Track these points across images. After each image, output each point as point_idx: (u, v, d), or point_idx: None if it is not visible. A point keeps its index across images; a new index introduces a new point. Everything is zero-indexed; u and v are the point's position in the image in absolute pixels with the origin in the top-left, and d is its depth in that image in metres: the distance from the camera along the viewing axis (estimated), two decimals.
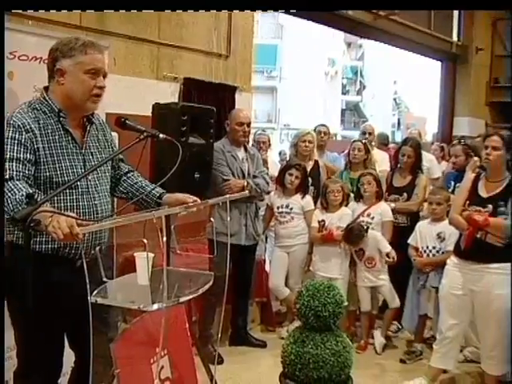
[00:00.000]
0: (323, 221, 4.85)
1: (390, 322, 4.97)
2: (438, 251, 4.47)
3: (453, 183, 4.91)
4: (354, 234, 4.69)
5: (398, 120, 45.65)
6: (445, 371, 4.17)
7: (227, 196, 2.82)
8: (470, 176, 4.12)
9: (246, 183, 4.44)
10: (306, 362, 3.01)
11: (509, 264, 3.70)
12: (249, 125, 4.56)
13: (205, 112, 4.13)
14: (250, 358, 4.55)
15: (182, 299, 2.34)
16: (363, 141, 5.61)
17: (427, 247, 4.52)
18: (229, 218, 3.42)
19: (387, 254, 4.64)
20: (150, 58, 5.05)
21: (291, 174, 4.88)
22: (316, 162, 5.45)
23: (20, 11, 3.88)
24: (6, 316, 2.39)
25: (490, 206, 3.72)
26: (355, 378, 3.21)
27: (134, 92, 4.75)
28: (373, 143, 6.26)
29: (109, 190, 2.68)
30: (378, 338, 4.84)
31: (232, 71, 5.86)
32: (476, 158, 4.72)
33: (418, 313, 4.58)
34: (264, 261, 5.41)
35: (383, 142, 7.41)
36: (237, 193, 3.61)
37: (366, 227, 4.75)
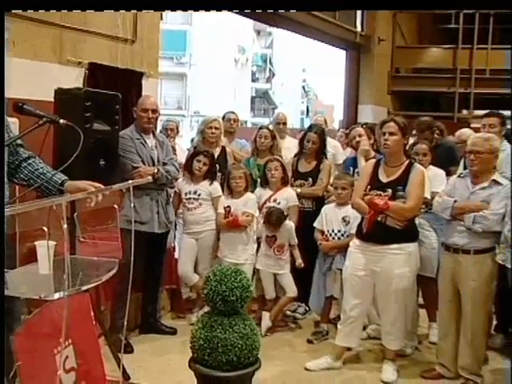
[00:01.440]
0: (229, 207, 4.90)
1: (282, 308, 5.01)
2: (343, 234, 4.63)
3: (351, 168, 5.06)
4: (275, 217, 4.76)
5: (307, 107, 46.56)
6: (349, 349, 4.34)
7: (130, 182, 2.80)
8: (365, 162, 4.30)
9: (156, 170, 4.40)
10: (214, 347, 3.04)
11: (407, 244, 3.92)
12: (154, 111, 4.51)
13: (110, 98, 4.05)
14: (160, 346, 4.54)
15: (85, 287, 2.31)
16: (269, 127, 5.69)
17: (333, 231, 4.67)
18: (132, 205, 3.37)
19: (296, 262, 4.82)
20: (52, 41, 4.86)
21: (199, 161, 4.89)
22: (223, 148, 5.48)
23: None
24: None
25: (390, 190, 3.90)
26: (264, 359, 3.28)
27: (36, 76, 4.56)
28: (287, 131, 6.38)
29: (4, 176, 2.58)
30: (266, 321, 4.87)
31: (138, 56, 5.74)
32: (365, 144, 4.88)
33: (325, 294, 4.71)
34: (173, 248, 5.39)
35: None
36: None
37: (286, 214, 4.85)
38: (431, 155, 4.64)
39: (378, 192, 3.93)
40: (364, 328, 4.63)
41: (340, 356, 4.23)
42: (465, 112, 12.55)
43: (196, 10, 9.63)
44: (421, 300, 4.78)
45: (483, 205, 3.71)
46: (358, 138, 5.05)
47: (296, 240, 4.84)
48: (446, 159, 5.07)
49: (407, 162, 4.01)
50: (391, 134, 3.93)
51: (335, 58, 11.74)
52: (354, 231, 4.28)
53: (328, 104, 35.81)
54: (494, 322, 4.70)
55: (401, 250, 3.90)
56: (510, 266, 3.57)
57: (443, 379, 4.04)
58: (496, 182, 3.78)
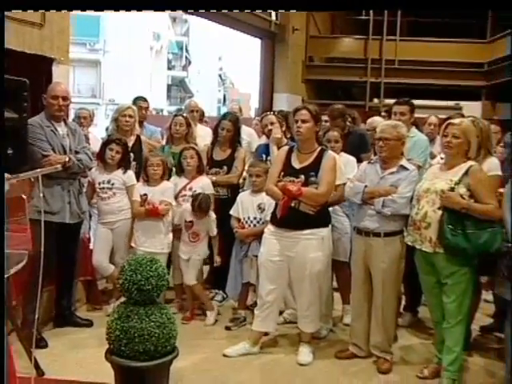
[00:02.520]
0: (145, 195, 4.84)
1: (195, 296, 5.01)
2: (258, 221, 4.67)
3: (264, 156, 5.10)
4: (202, 202, 4.75)
5: (224, 96, 46.50)
6: (266, 334, 4.41)
7: (38, 170, 2.72)
8: (277, 149, 4.36)
9: (67, 159, 4.27)
10: (131, 337, 3.01)
11: (320, 229, 4.02)
12: (65, 99, 4.37)
13: (17, 84, 3.87)
14: (76, 339, 4.43)
15: None
16: (184, 115, 5.65)
17: (248, 218, 4.71)
18: (42, 194, 3.27)
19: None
20: None
21: (111, 149, 4.80)
22: (138, 136, 5.40)
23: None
24: None
25: (303, 177, 3.98)
26: (182, 348, 3.28)
27: None
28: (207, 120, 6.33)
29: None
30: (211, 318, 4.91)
31: (48, 41, 5.54)
32: (277, 132, 4.95)
33: (242, 281, 4.75)
34: (89, 239, 5.27)
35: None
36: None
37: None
38: (343, 142, 4.76)
39: (291, 178, 4.00)
40: (281, 313, 4.72)
41: (257, 341, 4.29)
42: (376, 100, 12.98)
43: (196, 9, 9.56)
44: (335, 284, 4.92)
45: (392, 189, 3.85)
46: (269, 126, 5.10)
47: (215, 231, 4.86)
48: (358, 146, 5.21)
49: (319, 148, 4.11)
50: (304, 121, 4.01)
51: (251, 47, 11.78)
52: (269, 218, 4.33)
53: (245, 92, 35.88)
54: (403, 302, 4.91)
55: (314, 234, 4.00)
56: (418, 247, 3.73)
57: (356, 358, 4.18)
58: (403, 168, 3.93)
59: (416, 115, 5.20)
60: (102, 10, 4.64)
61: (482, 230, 3.49)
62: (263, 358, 4.23)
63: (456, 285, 3.64)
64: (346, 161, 4.61)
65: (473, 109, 11.40)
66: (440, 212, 3.56)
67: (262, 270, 4.20)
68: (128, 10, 4.50)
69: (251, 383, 3.86)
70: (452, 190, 3.56)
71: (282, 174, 4.06)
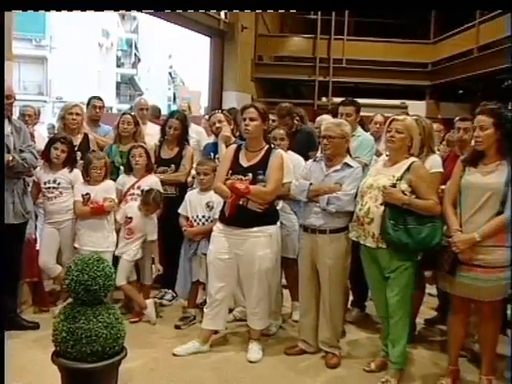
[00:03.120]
0: (88, 194, 4.76)
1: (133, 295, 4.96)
2: (207, 220, 4.67)
3: (212, 154, 5.11)
4: (157, 196, 4.74)
5: (174, 94, 46.18)
6: (216, 332, 4.42)
7: None
8: (226, 147, 4.38)
9: (10, 158, 4.18)
10: (78, 338, 2.99)
11: (268, 227, 4.06)
12: (8, 97, 4.28)
13: None
14: (21, 342, 4.33)
15: None
16: (132, 113, 5.60)
17: (197, 216, 4.70)
18: None
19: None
20: None
21: (56, 148, 4.72)
22: (85, 135, 5.32)
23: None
24: None
25: (251, 175, 4.01)
26: (131, 348, 3.26)
27: None
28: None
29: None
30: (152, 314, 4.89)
31: None
32: (226, 130, 4.96)
33: (191, 279, 4.74)
34: (35, 239, 5.16)
35: (155, 115, 7.47)
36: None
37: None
38: (289, 140, 4.81)
39: (239, 176, 4.02)
40: (230, 311, 4.74)
41: (207, 339, 4.29)
42: (324, 99, 13.13)
43: (196, 9, 9.40)
44: (285, 281, 4.96)
45: (336, 187, 3.92)
46: (218, 124, 5.11)
47: (155, 236, 4.83)
48: (306, 144, 5.26)
49: (267, 146, 4.14)
50: (251, 119, 4.03)
51: (201, 45, 11.76)
52: (217, 216, 4.33)
53: (195, 90, 35.74)
54: (351, 298, 5.00)
55: (262, 232, 4.03)
56: (361, 242, 3.80)
57: (305, 354, 4.24)
58: (348, 165, 4.00)
59: (363, 114, 5.29)
60: (102, 10, 4.56)
61: (423, 225, 3.57)
62: (213, 356, 4.24)
63: (398, 279, 3.72)
64: (291, 159, 4.67)
65: (418, 108, 11.69)
66: (382, 208, 3.63)
67: (211, 268, 4.21)
68: (128, 9, 4.47)
69: (201, 382, 3.85)
70: (394, 186, 3.63)
71: (230, 172, 4.07)
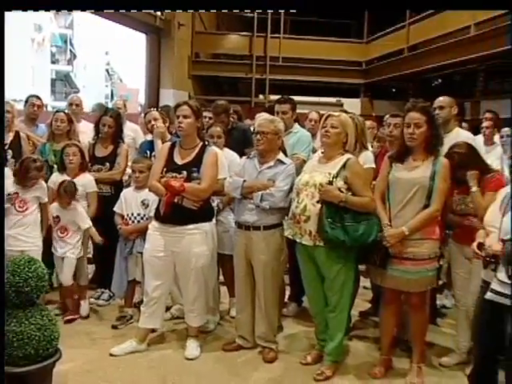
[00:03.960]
0: (16, 193, 4.62)
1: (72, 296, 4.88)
2: (142, 218, 4.62)
3: (148, 152, 5.06)
4: (67, 186, 4.64)
5: (112, 91, 45.31)
6: (154, 330, 4.40)
7: None
8: (164, 143, 4.36)
9: None
10: (9, 341, 2.92)
11: (203, 224, 4.07)
12: None
13: None
14: None
15: None
16: (66, 111, 5.49)
17: (132, 214, 4.64)
18: None
19: None
20: None
21: None
22: (17, 133, 5.18)
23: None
24: None
25: (185, 172, 4.00)
26: (66, 350, 3.22)
27: None
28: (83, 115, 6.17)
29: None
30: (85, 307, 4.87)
31: None
32: (160, 127, 4.94)
33: (127, 279, 4.69)
34: None
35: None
36: None
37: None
38: (226, 138, 4.83)
39: (174, 174, 4.00)
40: (168, 309, 4.73)
41: (144, 338, 4.26)
42: (261, 96, 13.23)
43: (196, 9, 9.06)
44: (222, 278, 4.98)
45: (269, 183, 3.94)
46: (153, 122, 5.07)
47: (87, 224, 4.72)
48: (241, 141, 5.29)
49: (201, 144, 4.14)
50: (185, 116, 4.02)
51: (138, 41, 11.60)
52: (153, 214, 4.29)
53: (133, 88, 35.17)
54: (288, 292, 5.07)
55: (198, 229, 4.03)
56: (298, 240, 3.84)
57: (243, 350, 4.26)
58: (281, 162, 4.03)
59: (298, 111, 5.36)
60: (102, 9, 4.42)
61: (359, 222, 3.63)
62: (151, 354, 4.21)
63: (337, 277, 3.78)
64: (227, 157, 4.70)
65: (353, 105, 11.96)
66: (319, 205, 3.66)
67: (147, 266, 4.18)
68: (128, 9, 4.36)
69: (139, 381, 3.82)
70: (330, 183, 3.67)
71: (165, 169, 4.05)
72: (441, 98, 4.70)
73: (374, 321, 4.82)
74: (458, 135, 4.61)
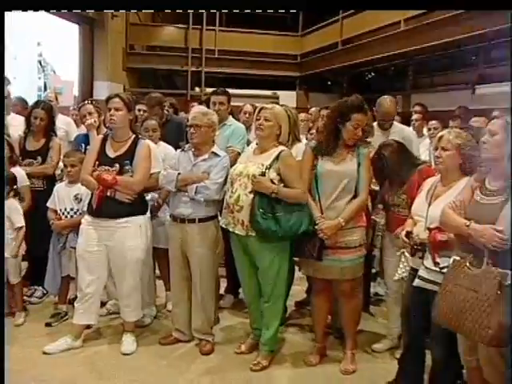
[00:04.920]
0: None
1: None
2: (75, 212, 4.54)
3: (83, 145, 4.97)
4: None
5: (45, 83, 44.09)
6: (88, 327, 4.34)
7: None
8: (97, 136, 4.30)
9: None
10: None
11: (137, 217, 4.05)
12: None
13: None
14: None
15: None
16: None
17: (65, 209, 4.55)
18: None
19: None
20: None
21: None
22: None
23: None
24: None
25: (117, 165, 3.95)
26: None
27: None
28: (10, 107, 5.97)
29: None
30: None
31: None
32: (94, 120, 4.86)
33: (61, 274, 4.60)
34: None
35: (24, 106, 7.10)
36: None
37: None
38: (160, 130, 4.80)
39: (106, 167, 3.95)
40: (104, 304, 4.67)
41: (79, 335, 4.19)
42: (197, 89, 13.16)
43: (196, 9, 8.61)
44: (158, 272, 4.95)
45: (204, 176, 3.95)
46: (88, 116, 4.97)
47: (19, 223, 4.58)
48: (176, 134, 5.26)
49: (133, 136, 4.11)
50: (117, 109, 3.98)
51: (71, 32, 11.31)
52: (86, 208, 4.23)
53: (68, 80, 34.29)
54: (225, 284, 5.10)
55: (131, 222, 4.00)
56: (231, 230, 3.86)
57: (180, 343, 4.26)
58: (215, 154, 4.04)
59: (234, 104, 5.37)
60: (101, 9, 4.22)
61: (291, 213, 3.68)
62: (86, 351, 4.15)
63: (270, 267, 3.83)
64: (163, 150, 4.67)
65: (288, 98, 12.07)
66: (252, 196, 3.70)
67: (81, 261, 4.11)
68: (128, 9, 4.18)
69: (74, 378, 3.76)
70: (263, 174, 3.70)
71: (97, 163, 4.00)
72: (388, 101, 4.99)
73: (310, 310, 4.90)
74: (402, 130, 5.02)
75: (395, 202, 3.96)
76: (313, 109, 7.72)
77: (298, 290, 5.13)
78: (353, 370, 3.90)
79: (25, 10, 3.90)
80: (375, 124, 4.99)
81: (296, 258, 4.11)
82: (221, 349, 4.21)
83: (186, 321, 4.24)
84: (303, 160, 3.91)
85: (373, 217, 4.18)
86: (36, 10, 4.00)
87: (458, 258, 2.76)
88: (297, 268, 4.43)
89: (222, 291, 5.04)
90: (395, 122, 5.16)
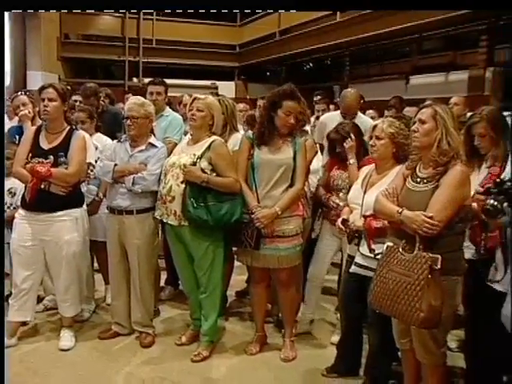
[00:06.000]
0: None
1: None
2: (9, 207, 4.43)
3: (17, 137, 4.81)
4: None
5: None
6: (24, 323, 4.24)
7: None
8: (30, 128, 4.19)
9: None
10: None
11: (73, 210, 3.97)
12: None
13: None
14: None
15: None
16: None
17: None
18: None
19: None
20: None
21: None
22: None
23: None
24: None
25: (52, 157, 3.86)
26: None
27: None
28: None
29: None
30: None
31: None
32: (29, 111, 4.72)
33: None
34: None
35: None
36: None
37: None
38: (96, 121, 4.71)
39: (40, 159, 3.85)
40: (41, 300, 4.58)
41: (15, 332, 4.09)
42: (135, 80, 12.98)
43: (196, 9, 8.10)
44: (97, 265, 4.88)
45: (141, 167, 3.91)
46: (22, 107, 4.82)
47: None
48: (113, 125, 5.18)
49: (68, 128, 4.02)
50: (50, 99, 3.88)
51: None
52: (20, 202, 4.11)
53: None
54: (165, 276, 5.07)
55: (67, 216, 3.93)
56: (165, 221, 3.84)
57: (120, 336, 4.22)
58: (152, 145, 4.00)
59: (172, 94, 5.33)
60: (101, 9, 3.99)
61: (223, 202, 3.69)
62: (23, 348, 4.05)
63: (205, 256, 3.84)
64: (100, 141, 4.58)
65: (227, 88, 12.07)
66: (183, 186, 3.69)
67: (15, 256, 4.00)
68: (128, 9, 3.98)
69: (8, 377, 3.66)
70: (194, 164, 3.70)
71: (31, 155, 3.89)
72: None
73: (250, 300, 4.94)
74: (366, 121, 5.11)
75: (340, 186, 4.04)
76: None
77: (239, 279, 5.16)
78: (293, 358, 3.96)
79: (25, 10, 3.79)
80: (339, 113, 5.13)
81: (234, 248, 4.13)
82: (162, 341, 4.20)
83: (126, 314, 4.20)
84: (240, 149, 3.93)
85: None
86: (36, 9, 3.88)
87: (391, 244, 2.84)
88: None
89: (162, 283, 5.04)
90: (359, 113, 5.29)
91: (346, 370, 3.67)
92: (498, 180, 2.69)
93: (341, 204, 3.92)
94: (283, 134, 3.80)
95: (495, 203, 2.62)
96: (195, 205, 3.64)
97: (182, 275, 4.17)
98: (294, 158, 3.76)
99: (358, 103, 5.31)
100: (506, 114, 3.47)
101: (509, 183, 2.62)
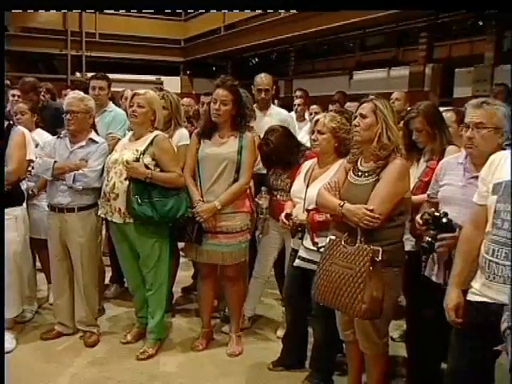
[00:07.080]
0: None
1: None
2: None
3: None
4: None
5: None
6: None
7: None
8: None
9: None
10: None
11: (12, 208, 3.88)
12: None
13: None
14: None
15: None
16: None
17: None
18: None
19: None
20: None
21: None
22: None
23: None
24: None
25: None
26: None
27: None
28: None
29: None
30: None
31: None
32: None
33: None
34: None
35: None
36: None
37: None
38: (35, 117, 4.60)
39: None
40: None
41: None
42: (78, 74, 12.73)
43: (196, 9, 7.64)
44: (39, 264, 4.76)
45: (82, 163, 3.83)
46: None
47: None
48: (54, 121, 5.05)
49: (7, 123, 3.93)
50: None
51: None
52: None
53: None
54: (109, 274, 5.00)
55: (7, 214, 3.81)
56: (109, 219, 3.78)
57: (64, 336, 4.14)
58: (93, 141, 3.93)
59: (116, 89, 5.24)
60: (101, 9, 3.72)
61: (168, 197, 3.66)
62: None
63: (151, 253, 3.81)
64: (40, 137, 4.48)
65: (173, 83, 11.98)
66: (127, 182, 3.64)
67: None
68: (128, 9, 3.74)
69: None
70: (137, 160, 3.65)
71: None
72: (264, 80, 4.97)
73: (197, 295, 4.92)
74: (280, 112, 5.11)
75: (279, 186, 4.03)
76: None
77: (185, 275, 5.15)
78: (239, 352, 3.97)
79: (25, 10, 3.63)
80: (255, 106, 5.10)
81: (181, 244, 4.10)
82: (107, 339, 4.14)
83: (69, 313, 4.12)
84: (189, 145, 3.91)
85: (256, 199, 4.24)
86: (36, 9, 3.72)
87: (333, 237, 2.88)
88: (183, 254, 4.44)
89: (107, 281, 4.97)
90: (272, 105, 5.25)
91: (291, 363, 3.71)
92: (436, 214, 2.76)
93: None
94: (225, 127, 3.78)
95: (430, 240, 2.74)
96: (140, 201, 3.59)
97: (127, 274, 4.12)
98: (240, 153, 3.74)
99: (270, 84, 5.15)
100: (442, 109, 3.57)
101: (444, 219, 2.71)
